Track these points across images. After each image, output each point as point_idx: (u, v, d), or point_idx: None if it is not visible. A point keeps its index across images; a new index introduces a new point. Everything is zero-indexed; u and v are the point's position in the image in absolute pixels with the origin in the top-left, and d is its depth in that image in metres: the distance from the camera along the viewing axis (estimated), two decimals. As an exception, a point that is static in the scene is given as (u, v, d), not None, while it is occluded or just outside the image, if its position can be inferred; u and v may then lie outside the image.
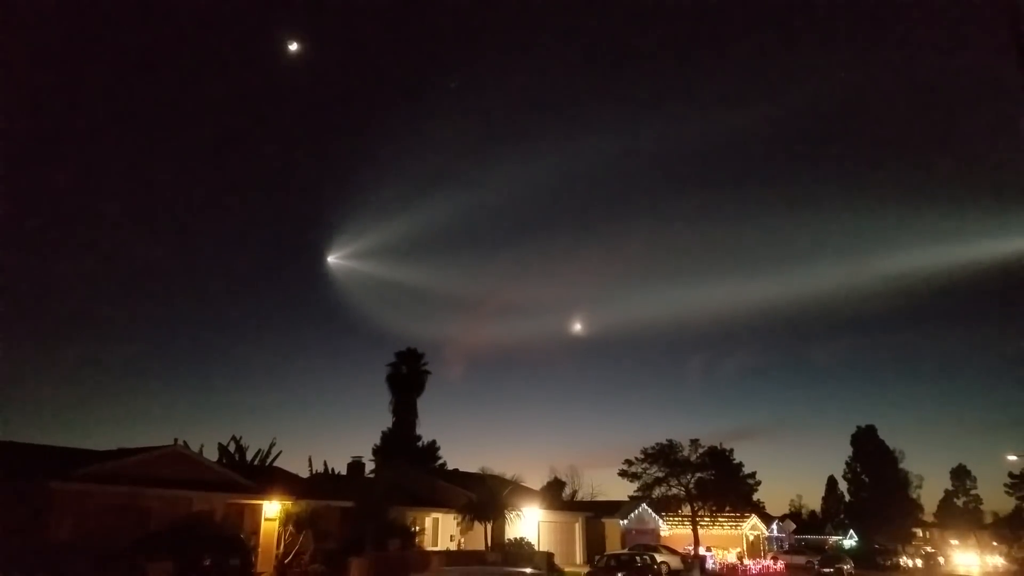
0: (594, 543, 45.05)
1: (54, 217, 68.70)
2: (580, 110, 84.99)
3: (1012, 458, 68.28)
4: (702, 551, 45.12)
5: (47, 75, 49.25)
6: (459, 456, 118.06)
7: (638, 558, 30.11)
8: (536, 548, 34.19)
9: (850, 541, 76.30)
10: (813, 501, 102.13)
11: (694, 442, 46.79)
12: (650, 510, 52.59)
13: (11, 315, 71.11)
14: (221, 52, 66.90)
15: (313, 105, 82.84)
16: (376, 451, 51.79)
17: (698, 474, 46.45)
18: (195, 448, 31.96)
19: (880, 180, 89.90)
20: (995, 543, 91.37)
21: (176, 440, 26.41)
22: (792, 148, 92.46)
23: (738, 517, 57.50)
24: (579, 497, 63.20)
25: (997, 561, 47.40)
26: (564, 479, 66.58)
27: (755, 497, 67.06)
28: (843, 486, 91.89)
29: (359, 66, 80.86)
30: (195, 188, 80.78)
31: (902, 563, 63.08)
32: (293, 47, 46.52)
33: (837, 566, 50.55)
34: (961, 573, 38.19)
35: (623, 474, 47.88)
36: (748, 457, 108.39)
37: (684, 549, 46.77)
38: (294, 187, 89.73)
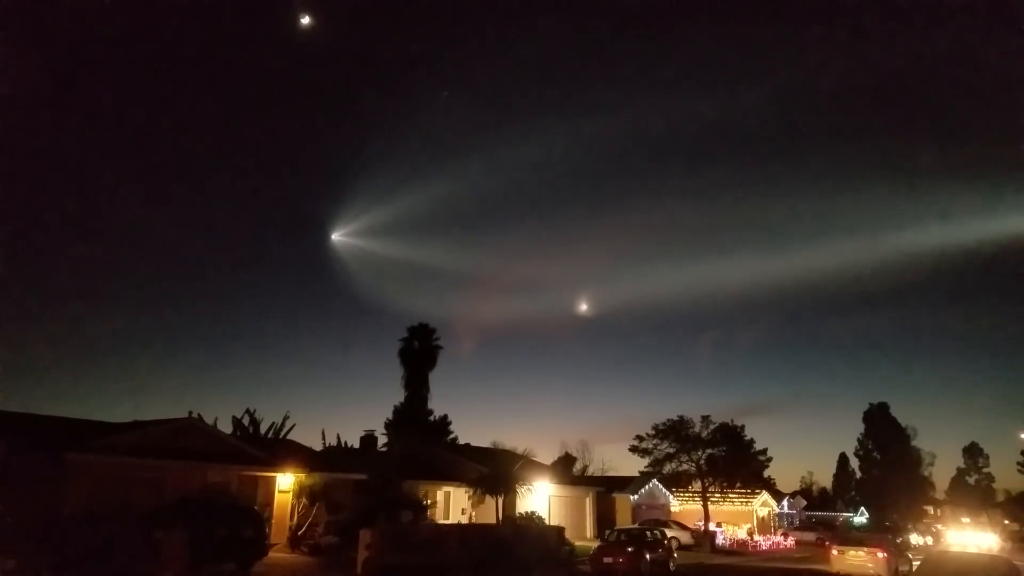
0: (604, 518, 45.28)
1: (70, 193, 69.07)
2: (592, 87, 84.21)
3: (1026, 436, 68.06)
4: (712, 527, 45.26)
5: (60, 50, 49.17)
6: (471, 431, 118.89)
7: (648, 533, 30.10)
8: (547, 522, 34.37)
9: (861, 518, 76.42)
10: (824, 478, 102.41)
11: (705, 418, 46.68)
12: (661, 486, 52.75)
13: (27, 289, 71.86)
14: (229, 31, 66.47)
15: (321, 82, 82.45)
16: (388, 425, 52.10)
17: (709, 450, 46.40)
18: (209, 421, 32.29)
19: (898, 156, 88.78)
20: (1007, 521, 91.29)
21: (191, 412, 26.66)
22: (805, 125, 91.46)
23: (749, 493, 57.57)
24: (590, 472, 63.42)
25: (992, 541, 47.08)
26: (575, 454, 66.78)
27: (766, 474, 67.15)
28: (854, 463, 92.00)
29: (366, 41, 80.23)
30: (208, 165, 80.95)
31: (912, 540, 63.16)
32: (305, 20, 46.08)
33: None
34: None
35: (634, 450, 47.95)
36: (759, 433, 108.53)
37: (694, 525, 46.90)
38: (308, 162, 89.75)
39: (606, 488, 48.19)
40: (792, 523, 65.76)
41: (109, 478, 20.99)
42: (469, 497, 33.91)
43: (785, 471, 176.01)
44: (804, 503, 76.43)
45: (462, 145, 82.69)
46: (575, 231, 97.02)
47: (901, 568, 26.93)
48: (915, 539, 63.67)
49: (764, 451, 52.14)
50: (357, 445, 42.03)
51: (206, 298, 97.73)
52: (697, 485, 47.50)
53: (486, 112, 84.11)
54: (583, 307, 77.91)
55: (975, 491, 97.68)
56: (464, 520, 35.01)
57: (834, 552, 27.29)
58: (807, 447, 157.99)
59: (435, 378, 53.83)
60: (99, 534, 16.57)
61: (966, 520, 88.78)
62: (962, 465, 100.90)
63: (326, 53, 76.29)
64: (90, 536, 16.47)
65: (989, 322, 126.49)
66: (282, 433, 40.57)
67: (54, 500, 19.65)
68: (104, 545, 16.17)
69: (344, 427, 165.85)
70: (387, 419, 53.12)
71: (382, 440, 45.55)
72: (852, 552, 26.59)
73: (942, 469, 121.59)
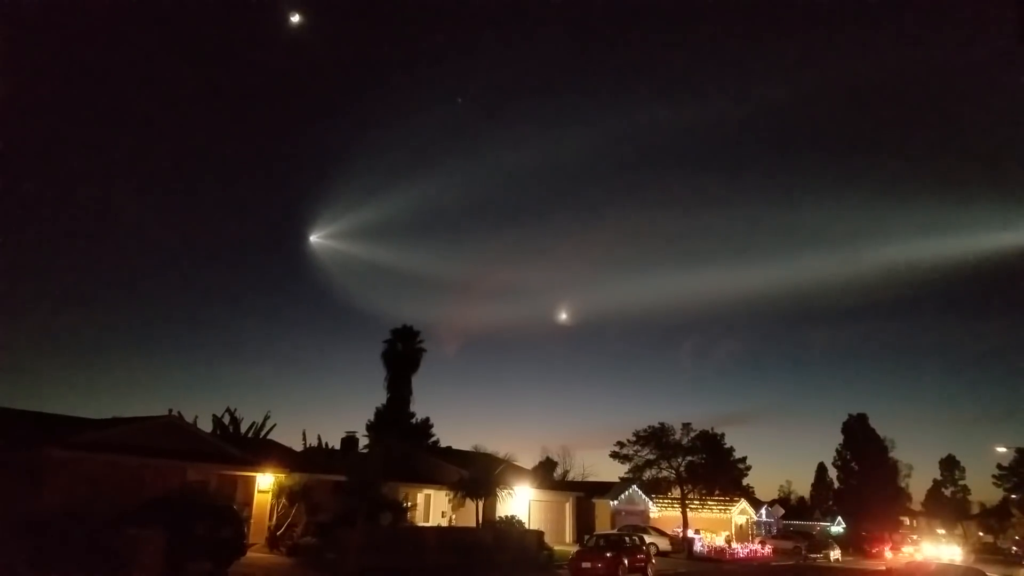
0: (584, 523, 45.41)
1: (49, 189, 68.38)
2: (575, 96, 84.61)
3: (1001, 450, 68.97)
4: (691, 533, 45.54)
5: (47, 54, 48.76)
6: (452, 434, 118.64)
7: (627, 538, 30.32)
8: (527, 526, 34.44)
9: (838, 528, 77.02)
10: (802, 487, 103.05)
11: (686, 426, 47.06)
12: (640, 492, 52.98)
13: (7, 284, 71.07)
14: (212, 30, 66.16)
15: (307, 83, 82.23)
16: (370, 427, 51.93)
17: (689, 457, 46.78)
18: (189, 419, 32.06)
19: (877, 169, 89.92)
20: (980, 533, 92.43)
21: (171, 410, 26.59)
22: (789, 136, 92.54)
23: (727, 501, 57.96)
24: (570, 477, 63.57)
25: (955, 553, 48.53)
26: (556, 459, 67.00)
27: (745, 482, 67.82)
28: (833, 473, 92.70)
29: (350, 44, 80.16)
30: (192, 164, 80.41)
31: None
32: (295, 18, 46.04)
33: (824, 552, 51.17)
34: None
35: (615, 456, 48.21)
36: (739, 442, 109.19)
37: (673, 531, 47.18)
38: (291, 164, 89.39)
39: (586, 493, 48.35)
40: (770, 531, 66.18)
41: (87, 475, 20.82)
42: (449, 500, 33.91)
43: (764, 480, 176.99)
44: (782, 512, 76.88)
45: (445, 151, 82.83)
46: (558, 238, 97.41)
47: None
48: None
49: (743, 459, 52.76)
50: (338, 446, 41.94)
51: (188, 296, 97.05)
52: (676, 492, 47.79)
53: (470, 118, 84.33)
54: (565, 314, 78.25)
55: (951, 503, 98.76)
56: (444, 523, 35.01)
57: (887, 553, 38.11)
58: (786, 456, 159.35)
59: (418, 381, 53.74)
60: (77, 531, 16.47)
61: (941, 532, 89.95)
62: (938, 477, 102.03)
63: (310, 54, 76.11)
64: (68, 533, 16.37)
65: (967, 336, 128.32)
66: (263, 433, 40.40)
67: (32, 496, 19.48)
68: (81, 542, 16.08)
69: (325, 428, 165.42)
70: (368, 421, 52.99)
71: (363, 442, 45.51)
72: (901, 553, 38.64)
73: (919, 481, 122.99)
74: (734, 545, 48.29)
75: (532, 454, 79.49)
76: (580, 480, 60.65)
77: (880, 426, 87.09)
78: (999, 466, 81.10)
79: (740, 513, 60.45)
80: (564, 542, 40.43)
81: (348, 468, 30.42)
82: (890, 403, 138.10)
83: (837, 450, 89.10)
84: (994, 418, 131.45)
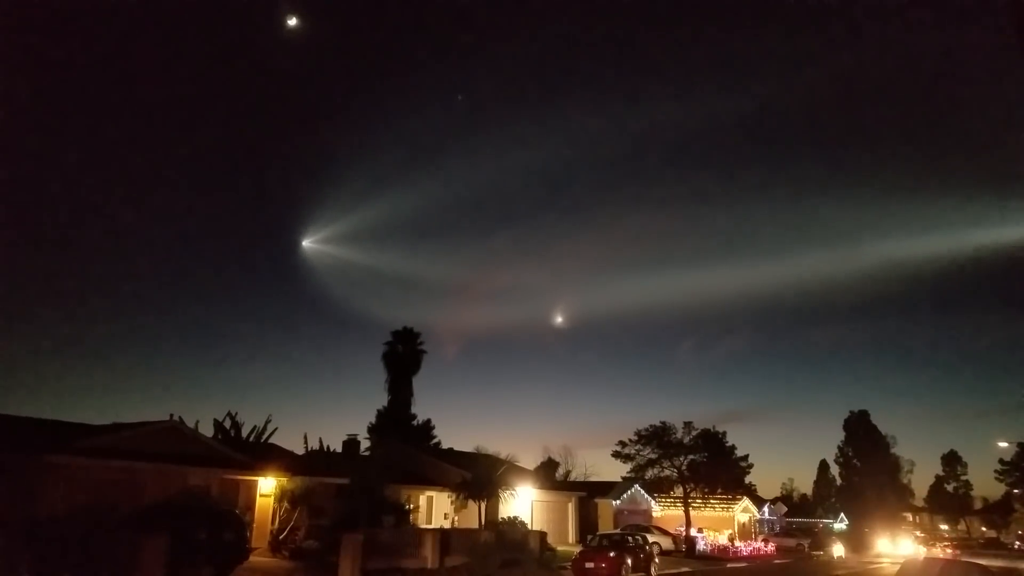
0: (587, 523, 45.36)
1: (48, 193, 68.37)
2: (574, 96, 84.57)
3: (1003, 445, 69.00)
4: (694, 532, 45.50)
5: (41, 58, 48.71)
6: (454, 435, 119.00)
7: (630, 538, 30.27)
8: (529, 527, 34.39)
9: (840, 525, 76.99)
10: (805, 484, 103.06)
11: (687, 424, 47.00)
12: (643, 491, 52.94)
13: (8, 292, 71.03)
14: (205, 35, 66.19)
15: (305, 84, 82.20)
16: (371, 429, 51.97)
17: (691, 456, 46.67)
18: (191, 423, 32.00)
19: (877, 167, 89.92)
20: (984, 528, 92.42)
21: (172, 415, 26.49)
22: (789, 134, 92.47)
23: (730, 499, 57.89)
24: (572, 477, 63.54)
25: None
26: (558, 459, 66.94)
27: (747, 480, 67.46)
28: (835, 470, 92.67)
29: (343, 46, 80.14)
30: (192, 169, 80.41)
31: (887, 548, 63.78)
32: (292, 21, 46.04)
33: (827, 549, 51.14)
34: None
35: (617, 455, 48.13)
36: (741, 440, 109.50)
37: (676, 530, 47.12)
38: (291, 168, 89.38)
39: (588, 493, 48.29)
40: (773, 529, 66.17)
41: (89, 480, 20.80)
42: (452, 502, 33.87)
43: (766, 477, 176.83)
44: (785, 509, 76.89)
45: (443, 152, 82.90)
46: (557, 238, 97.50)
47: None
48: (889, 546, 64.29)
49: (745, 457, 52.52)
50: (340, 449, 41.93)
51: (188, 301, 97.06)
52: (679, 491, 47.73)
53: (467, 120, 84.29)
54: (565, 313, 78.43)
55: (953, 499, 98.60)
56: (447, 525, 34.96)
57: (929, 549, 49.12)
58: (788, 454, 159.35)
59: (419, 382, 53.88)
60: (78, 537, 16.42)
61: (944, 527, 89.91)
62: (941, 473, 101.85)
63: (306, 55, 76.12)
64: (69, 539, 16.32)
65: (968, 331, 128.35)
66: (264, 437, 40.43)
67: (33, 502, 19.45)
68: (83, 548, 16.04)
69: (327, 431, 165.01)
70: (370, 423, 53.06)
71: (365, 444, 45.50)
72: (940, 547, 50.80)
73: (921, 477, 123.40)
74: (737, 543, 48.27)
75: (534, 454, 79.69)
76: (582, 480, 60.63)
77: (882, 422, 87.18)
78: (1001, 461, 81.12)
79: (743, 511, 60.41)
80: (567, 542, 40.37)
81: (350, 471, 30.44)
82: (891, 399, 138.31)
83: (839, 447, 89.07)
84: (996, 413, 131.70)
